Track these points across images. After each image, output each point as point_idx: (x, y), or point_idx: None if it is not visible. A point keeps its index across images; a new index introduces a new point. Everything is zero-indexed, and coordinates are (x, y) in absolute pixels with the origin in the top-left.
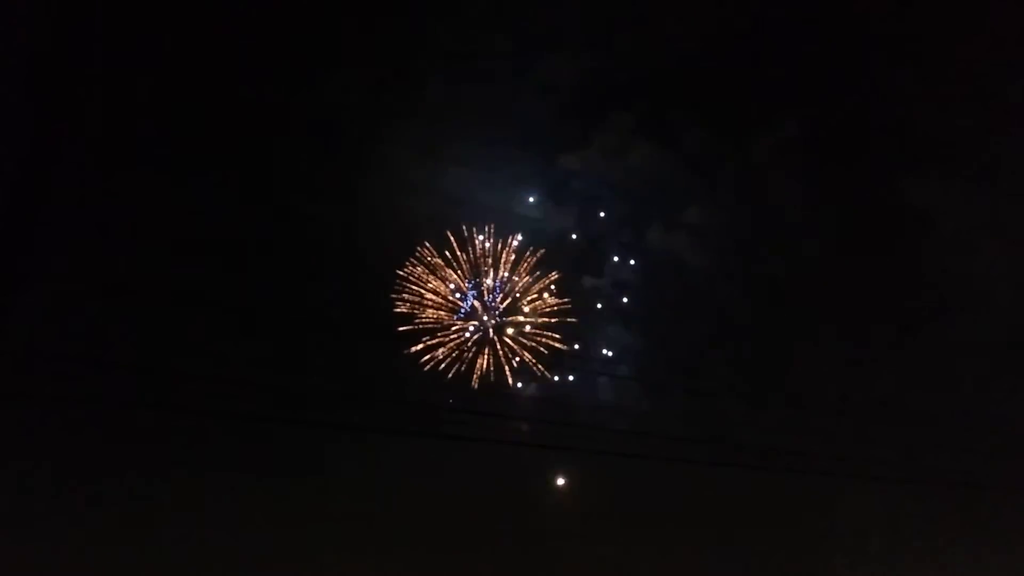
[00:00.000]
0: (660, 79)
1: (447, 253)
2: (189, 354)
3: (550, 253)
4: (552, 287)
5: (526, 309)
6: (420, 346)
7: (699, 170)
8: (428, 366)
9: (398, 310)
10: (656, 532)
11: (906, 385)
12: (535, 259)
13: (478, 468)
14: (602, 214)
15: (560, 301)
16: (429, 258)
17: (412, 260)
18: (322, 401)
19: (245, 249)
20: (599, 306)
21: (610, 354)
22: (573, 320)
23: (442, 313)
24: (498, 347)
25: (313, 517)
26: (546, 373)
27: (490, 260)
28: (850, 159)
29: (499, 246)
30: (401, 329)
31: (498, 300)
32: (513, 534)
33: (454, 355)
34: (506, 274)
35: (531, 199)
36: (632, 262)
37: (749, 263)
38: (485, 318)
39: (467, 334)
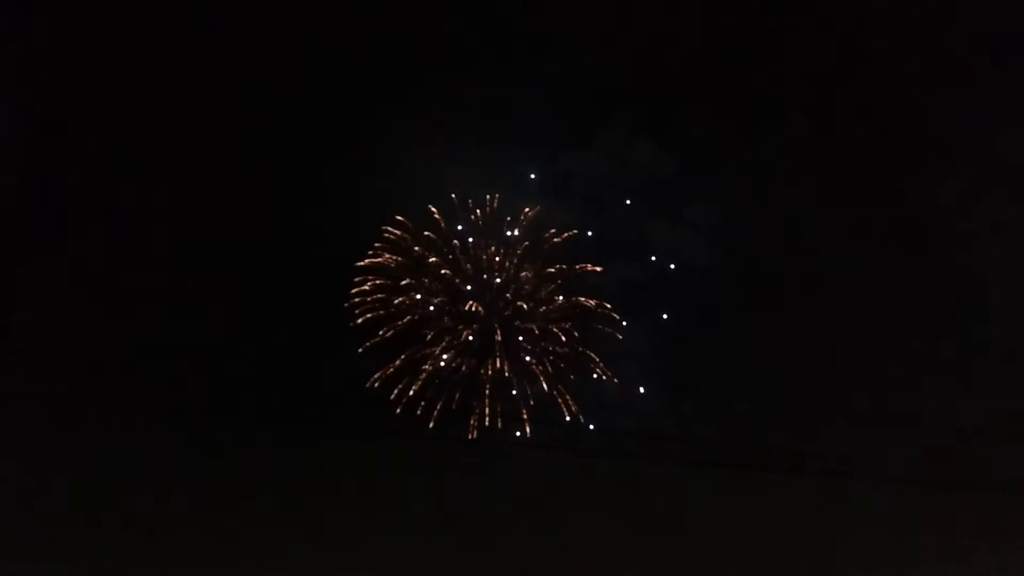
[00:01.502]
0: (670, 76)
1: (427, 233)
2: (189, 354)
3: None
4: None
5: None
6: (387, 370)
7: (707, 167)
8: (401, 401)
9: (359, 320)
10: (656, 533)
11: (909, 386)
12: (557, 239)
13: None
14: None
15: (594, 301)
16: (403, 241)
17: (378, 245)
18: (322, 401)
19: (245, 250)
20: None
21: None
22: (611, 331)
23: (421, 315)
24: (505, 370)
25: (313, 516)
26: (577, 413)
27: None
28: (859, 157)
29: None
30: (363, 349)
31: (501, 303)
32: (520, 537)
33: (452, 367)
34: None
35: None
36: (638, 260)
37: (754, 262)
38: (472, 331)
39: (442, 363)
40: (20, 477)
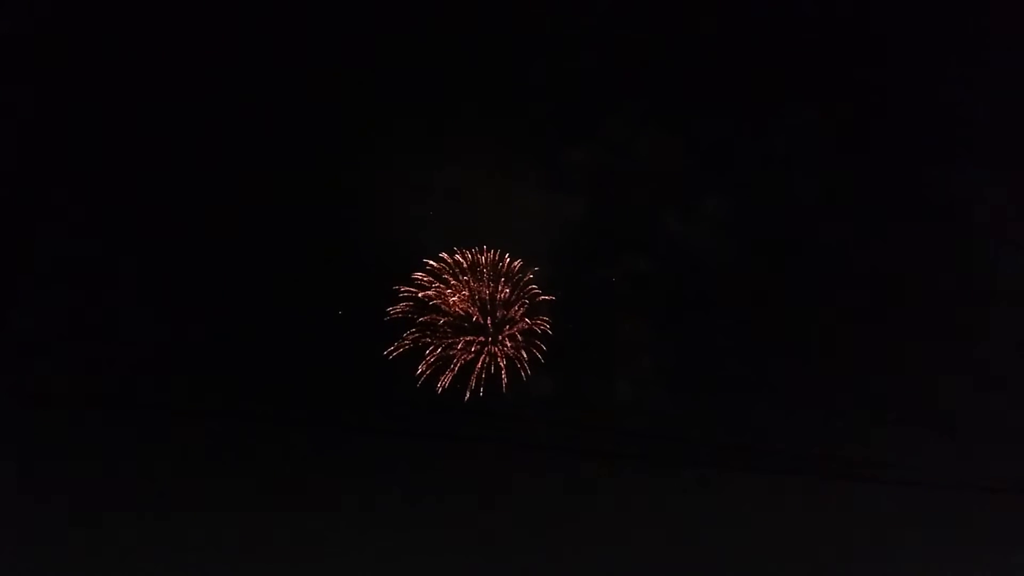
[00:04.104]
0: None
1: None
2: (188, 354)
3: (560, 246)
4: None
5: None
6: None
7: (716, 159)
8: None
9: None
10: (654, 532)
11: (914, 386)
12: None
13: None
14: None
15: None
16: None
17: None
18: (323, 401)
19: (246, 251)
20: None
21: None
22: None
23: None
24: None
25: (313, 516)
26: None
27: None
28: (871, 149)
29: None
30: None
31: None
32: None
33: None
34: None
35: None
36: (645, 256)
37: (764, 256)
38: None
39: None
40: (21, 475)
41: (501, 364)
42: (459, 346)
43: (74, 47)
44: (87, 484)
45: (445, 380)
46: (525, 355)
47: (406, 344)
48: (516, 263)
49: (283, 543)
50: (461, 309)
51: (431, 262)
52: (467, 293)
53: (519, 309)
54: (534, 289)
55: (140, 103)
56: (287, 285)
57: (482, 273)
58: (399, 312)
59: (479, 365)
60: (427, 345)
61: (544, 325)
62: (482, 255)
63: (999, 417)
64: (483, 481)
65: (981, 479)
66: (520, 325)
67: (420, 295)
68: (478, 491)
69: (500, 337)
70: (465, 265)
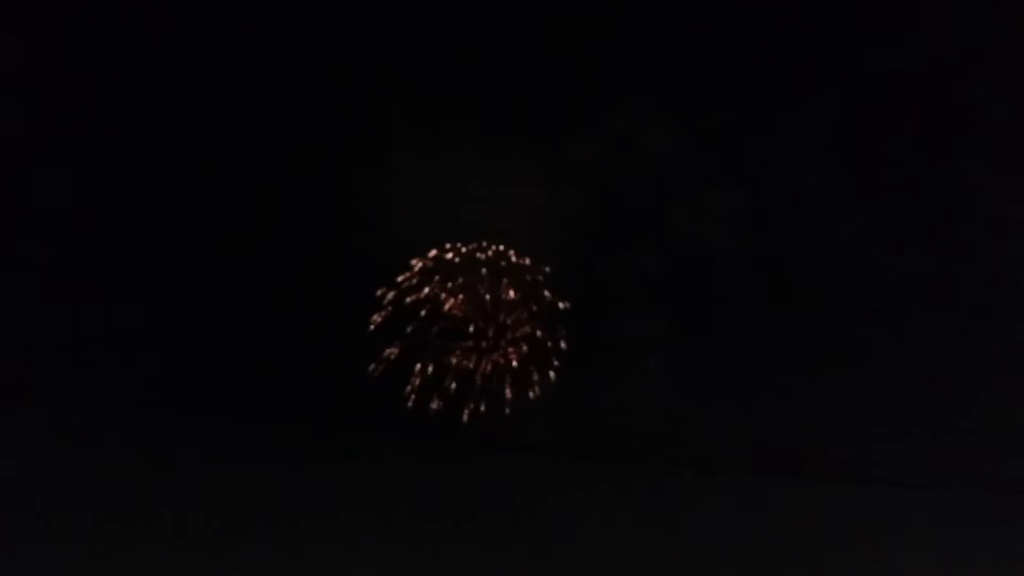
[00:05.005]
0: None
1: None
2: (188, 354)
3: (560, 243)
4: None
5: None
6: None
7: (725, 151)
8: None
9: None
10: (653, 534)
11: (915, 386)
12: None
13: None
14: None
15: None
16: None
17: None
18: (323, 402)
19: (246, 250)
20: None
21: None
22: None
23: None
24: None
25: (313, 520)
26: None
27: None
28: (885, 141)
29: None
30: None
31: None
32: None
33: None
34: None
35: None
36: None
37: (774, 251)
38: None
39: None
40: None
41: (505, 369)
42: (456, 354)
43: (74, 46)
44: (85, 482)
45: (438, 401)
46: (534, 371)
47: (393, 353)
48: (523, 259)
49: (280, 545)
50: (458, 312)
51: (423, 261)
52: (464, 296)
53: (524, 312)
54: (542, 291)
55: (131, 100)
56: (284, 285)
57: (481, 272)
58: (386, 317)
59: (478, 375)
60: (419, 355)
61: (559, 337)
62: (480, 252)
63: (1001, 417)
64: (483, 483)
65: (981, 479)
66: (524, 329)
67: (407, 300)
68: (477, 493)
69: (502, 343)
70: (458, 261)
